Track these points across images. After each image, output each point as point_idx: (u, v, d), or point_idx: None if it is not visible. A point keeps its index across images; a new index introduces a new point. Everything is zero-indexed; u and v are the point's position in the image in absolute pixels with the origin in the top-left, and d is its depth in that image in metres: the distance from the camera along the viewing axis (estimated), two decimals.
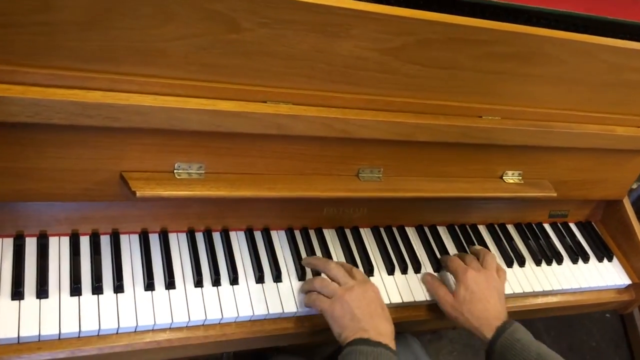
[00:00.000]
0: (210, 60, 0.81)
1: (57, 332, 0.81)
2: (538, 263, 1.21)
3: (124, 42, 0.75)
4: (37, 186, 0.83)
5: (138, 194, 0.83)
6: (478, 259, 1.05)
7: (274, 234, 1.04)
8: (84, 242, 0.91)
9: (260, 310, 0.93)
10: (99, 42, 0.74)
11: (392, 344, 0.86)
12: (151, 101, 0.79)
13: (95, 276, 0.88)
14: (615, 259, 1.30)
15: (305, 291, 0.95)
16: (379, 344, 0.83)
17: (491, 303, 0.97)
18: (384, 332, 0.86)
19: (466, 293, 0.97)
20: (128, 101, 0.78)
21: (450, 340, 1.91)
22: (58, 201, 0.87)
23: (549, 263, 1.22)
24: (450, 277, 1.06)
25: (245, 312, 0.93)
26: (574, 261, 1.26)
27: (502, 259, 1.19)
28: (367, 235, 1.11)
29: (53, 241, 0.90)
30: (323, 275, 0.97)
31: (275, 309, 0.94)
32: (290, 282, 0.99)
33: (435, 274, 1.09)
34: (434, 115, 0.99)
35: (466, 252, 1.16)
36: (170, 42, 0.77)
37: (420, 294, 1.05)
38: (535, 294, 1.17)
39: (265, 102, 0.87)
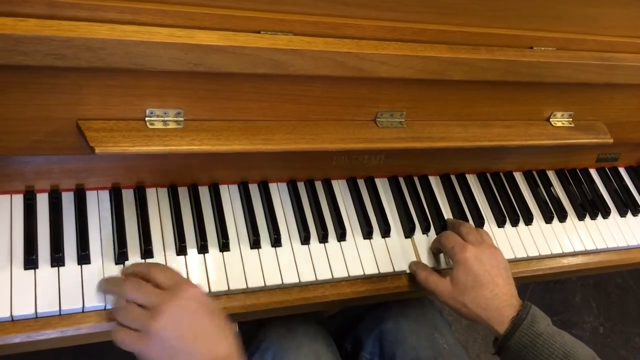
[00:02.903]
0: None
1: (9, 315, 0.68)
2: (581, 217, 1.05)
3: None
4: None
5: (98, 150, 0.67)
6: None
7: (273, 188, 0.88)
8: (42, 201, 0.76)
9: (254, 282, 0.79)
10: None
11: None
12: (106, 32, 0.60)
13: (54, 244, 0.73)
14: None
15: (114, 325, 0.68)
16: None
17: (500, 286, 0.78)
18: (223, 352, 0.64)
19: (467, 278, 0.78)
20: (74, 33, 0.59)
21: None
22: (1, 155, 0.70)
23: (593, 217, 1.06)
24: None
25: (238, 284, 0.78)
26: (623, 214, 1.09)
27: (540, 214, 1.02)
28: (383, 187, 0.94)
29: (2, 200, 0.74)
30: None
31: (273, 280, 0.80)
32: (291, 247, 0.83)
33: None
34: (473, 47, 0.79)
35: (498, 205, 0.99)
36: None
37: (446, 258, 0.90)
38: (574, 254, 1.01)
39: (258, 32, 0.68)
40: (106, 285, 0.71)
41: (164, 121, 0.72)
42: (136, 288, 0.66)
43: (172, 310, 0.63)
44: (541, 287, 1.87)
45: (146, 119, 0.71)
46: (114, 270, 0.74)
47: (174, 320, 0.63)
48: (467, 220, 0.95)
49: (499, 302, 0.77)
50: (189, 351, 0.62)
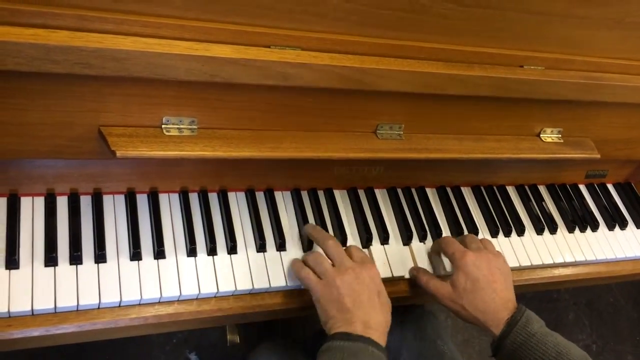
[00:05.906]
0: None
1: (30, 309, 0.72)
2: (571, 230, 1.09)
3: None
4: None
5: (119, 153, 0.71)
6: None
7: (278, 195, 0.92)
8: (61, 203, 0.80)
9: (260, 284, 0.83)
10: None
11: (379, 338, 0.74)
12: (130, 44, 0.66)
13: (73, 243, 0.77)
14: None
15: (299, 263, 0.84)
16: (359, 338, 0.72)
17: (497, 291, 0.82)
18: (373, 324, 0.75)
19: (467, 282, 0.82)
20: (101, 44, 0.64)
21: None
22: (26, 158, 0.75)
23: (583, 230, 1.10)
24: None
25: (245, 285, 0.82)
26: (611, 227, 1.14)
27: (532, 225, 1.07)
28: (382, 198, 0.99)
29: (25, 202, 0.79)
30: (320, 250, 0.85)
31: (278, 282, 0.84)
32: (295, 252, 0.88)
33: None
34: (468, 64, 0.84)
35: (492, 216, 1.04)
36: None
37: (442, 266, 0.95)
38: (565, 264, 1.06)
39: (268, 46, 0.73)
40: (314, 233, 0.87)
41: (179, 129, 0.77)
42: (340, 250, 0.82)
43: (354, 275, 0.78)
44: (534, 305, 1.90)
45: (162, 126, 0.76)
46: (129, 268, 0.78)
47: (352, 283, 0.77)
48: (462, 231, 1.00)
49: (496, 306, 0.81)
50: (349, 307, 0.75)
